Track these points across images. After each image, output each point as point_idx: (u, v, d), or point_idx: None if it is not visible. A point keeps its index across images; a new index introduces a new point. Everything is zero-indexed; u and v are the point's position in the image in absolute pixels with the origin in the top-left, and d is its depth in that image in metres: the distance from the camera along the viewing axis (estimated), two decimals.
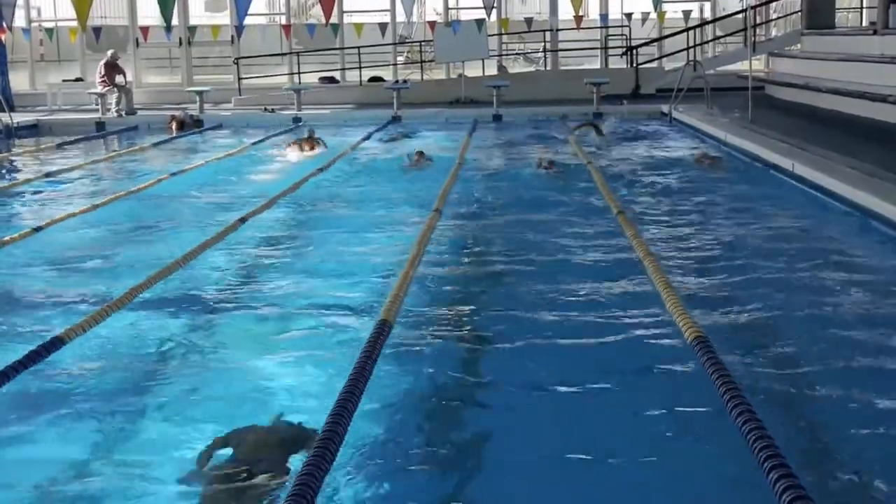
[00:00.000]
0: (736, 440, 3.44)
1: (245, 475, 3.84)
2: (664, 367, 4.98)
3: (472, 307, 6.23)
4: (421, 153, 12.84)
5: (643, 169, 11.98)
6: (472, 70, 22.93)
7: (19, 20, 22.54)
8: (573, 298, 6.28)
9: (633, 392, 4.78)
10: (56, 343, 5.09)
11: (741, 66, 20.30)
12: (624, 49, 22.58)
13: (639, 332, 5.59)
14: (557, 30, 22.99)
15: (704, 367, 4.18)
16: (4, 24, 21.00)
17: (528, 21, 23.51)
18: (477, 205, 9.91)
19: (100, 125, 18.95)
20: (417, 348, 5.36)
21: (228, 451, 4.02)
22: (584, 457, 4.12)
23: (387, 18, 23.22)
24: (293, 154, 13.67)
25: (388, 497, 3.87)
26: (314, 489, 3.16)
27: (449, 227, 8.55)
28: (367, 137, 15.47)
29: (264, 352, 5.47)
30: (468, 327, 5.86)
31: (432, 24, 22.67)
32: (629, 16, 22.79)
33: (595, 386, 4.84)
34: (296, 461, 3.88)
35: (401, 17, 22.63)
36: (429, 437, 4.37)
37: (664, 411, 4.52)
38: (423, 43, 24.81)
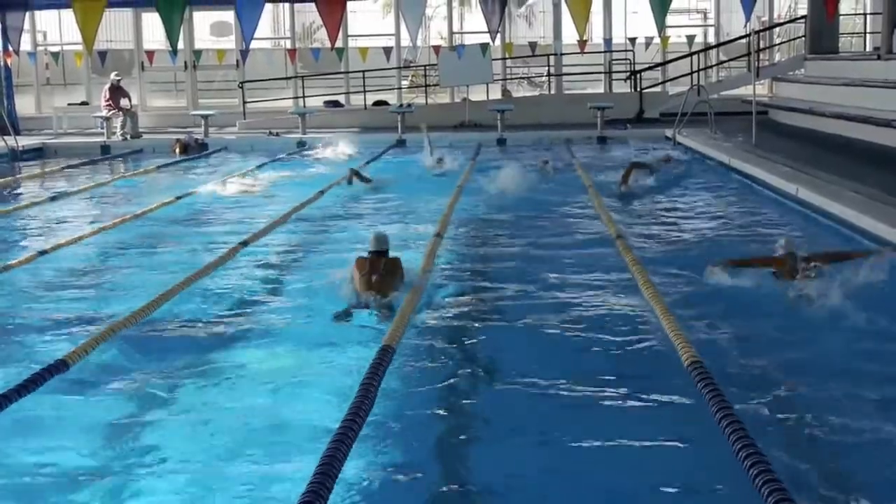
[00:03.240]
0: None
1: None
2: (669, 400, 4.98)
3: (473, 333, 6.24)
4: (441, 158, 14.82)
5: (645, 189, 12.01)
6: (477, 94, 23.01)
7: (25, 44, 22.63)
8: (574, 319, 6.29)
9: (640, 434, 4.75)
10: (59, 366, 5.10)
11: (745, 91, 20.32)
12: (628, 73, 22.65)
13: (639, 355, 5.60)
14: (561, 54, 23.05)
15: (702, 394, 4.19)
16: (11, 48, 21.13)
17: (532, 45, 23.63)
18: (478, 227, 9.92)
19: (105, 148, 19.04)
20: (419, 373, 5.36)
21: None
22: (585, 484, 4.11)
23: (391, 42, 23.33)
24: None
25: None
26: None
27: (450, 250, 8.57)
28: (376, 158, 15.67)
29: (269, 374, 5.47)
30: (471, 351, 5.87)
31: (437, 49, 22.77)
32: (633, 40, 22.86)
33: (601, 415, 4.83)
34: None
35: (405, 41, 22.74)
36: (425, 465, 4.35)
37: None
38: (427, 67, 24.88)
